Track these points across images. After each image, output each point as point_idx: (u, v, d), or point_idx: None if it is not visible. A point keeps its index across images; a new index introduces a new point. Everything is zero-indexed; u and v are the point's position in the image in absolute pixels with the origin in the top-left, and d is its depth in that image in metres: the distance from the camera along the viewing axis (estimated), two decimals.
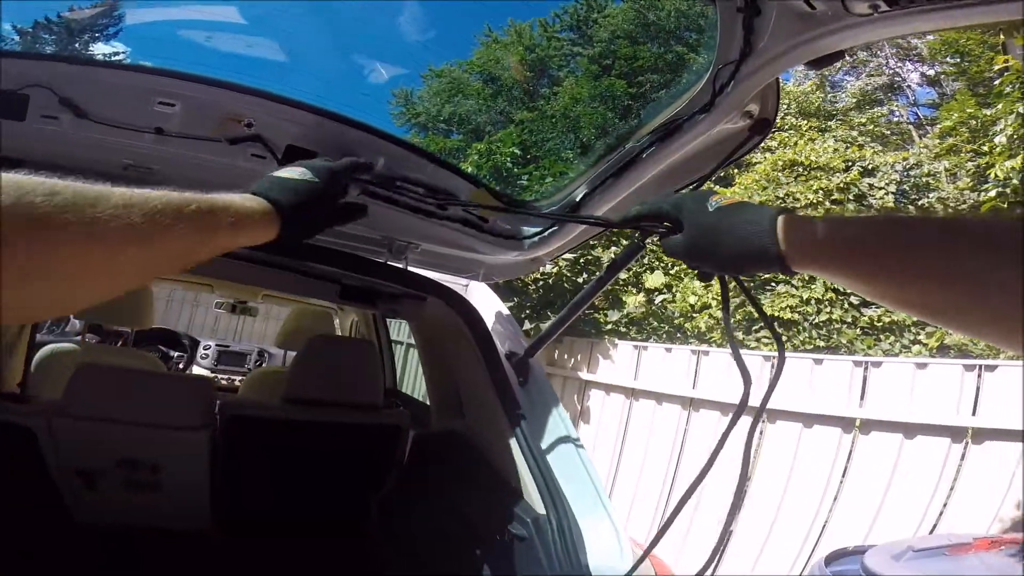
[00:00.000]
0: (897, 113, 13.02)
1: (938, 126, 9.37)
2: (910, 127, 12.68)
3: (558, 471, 1.14)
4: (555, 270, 5.79)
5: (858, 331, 6.01)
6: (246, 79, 1.01)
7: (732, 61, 0.90)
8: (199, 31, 1.24)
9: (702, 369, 4.56)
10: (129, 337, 2.98)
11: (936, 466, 3.39)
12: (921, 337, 5.90)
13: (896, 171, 8.42)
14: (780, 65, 0.88)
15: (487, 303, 1.60)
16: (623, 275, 6.21)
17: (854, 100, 12.99)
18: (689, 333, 6.49)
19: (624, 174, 1.11)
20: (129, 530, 1.52)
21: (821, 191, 7.20)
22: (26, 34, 1.13)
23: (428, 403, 1.98)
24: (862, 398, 3.79)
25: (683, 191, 1.03)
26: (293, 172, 0.77)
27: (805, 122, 10.32)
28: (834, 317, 5.99)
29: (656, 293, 6.58)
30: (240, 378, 4.00)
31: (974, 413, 3.33)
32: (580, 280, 5.85)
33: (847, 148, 8.55)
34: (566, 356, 5.64)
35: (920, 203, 8.73)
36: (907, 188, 8.96)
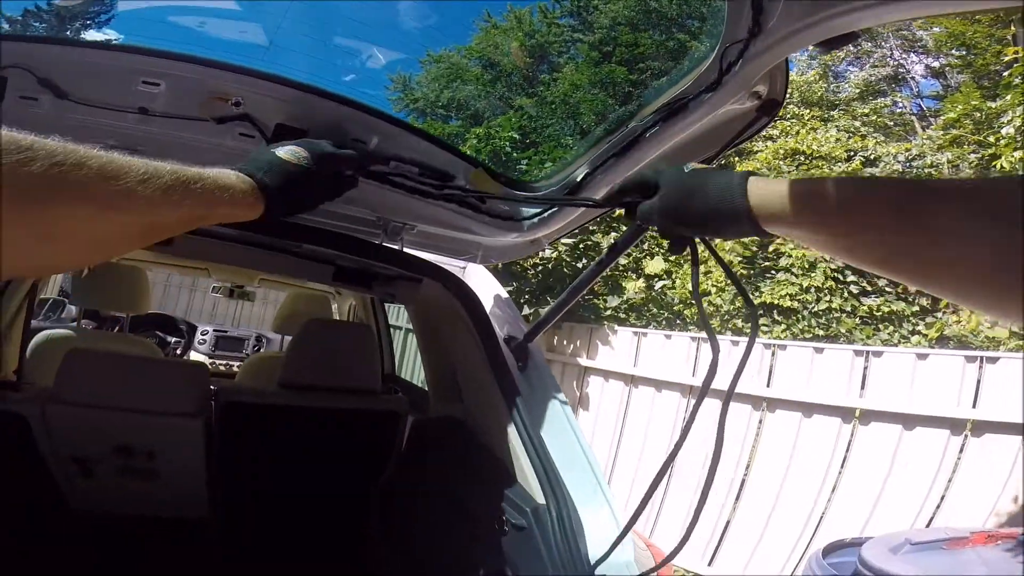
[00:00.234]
0: (900, 104, 12.90)
1: (942, 118, 9.29)
2: (913, 118, 12.56)
3: (557, 458, 1.12)
4: (554, 255, 5.76)
5: (857, 320, 6.00)
6: (237, 60, 0.98)
7: (741, 39, 0.87)
8: (189, 16, 1.20)
9: (702, 356, 4.55)
10: (125, 323, 2.96)
11: (935, 458, 3.38)
12: (920, 327, 5.89)
13: (898, 162, 8.36)
14: (790, 45, 0.85)
15: (486, 286, 1.57)
16: (623, 260, 6.18)
17: (857, 91, 12.86)
18: (689, 320, 6.47)
19: (627, 154, 1.08)
20: (125, 517, 1.51)
21: None
22: (15, 22, 1.09)
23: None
24: (862, 388, 3.78)
25: None
26: (287, 152, 0.75)
27: (808, 111, 10.23)
28: (833, 306, 5.97)
29: (656, 279, 6.55)
30: (238, 363, 3.99)
31: (974, 405, 3.33)
32: (579, 265, 5.82)
33: (849, 138, 8.49)
34: (565, 342, 5.63)
35: None
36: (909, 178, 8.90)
